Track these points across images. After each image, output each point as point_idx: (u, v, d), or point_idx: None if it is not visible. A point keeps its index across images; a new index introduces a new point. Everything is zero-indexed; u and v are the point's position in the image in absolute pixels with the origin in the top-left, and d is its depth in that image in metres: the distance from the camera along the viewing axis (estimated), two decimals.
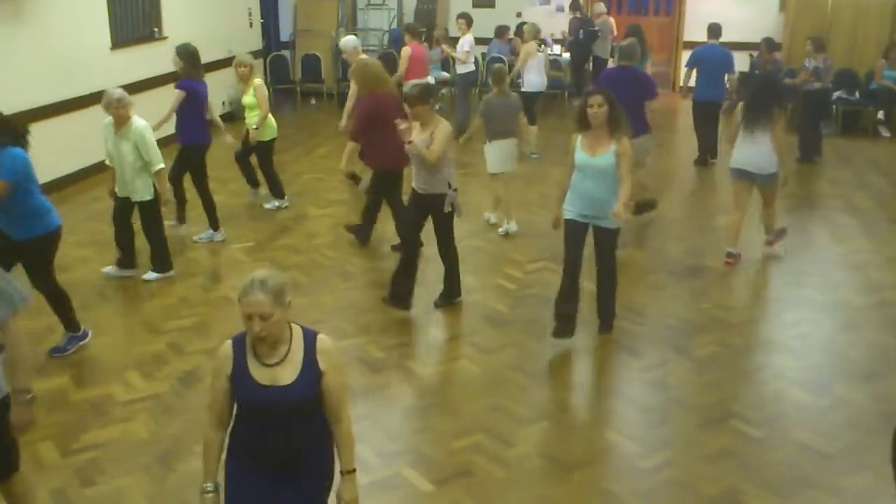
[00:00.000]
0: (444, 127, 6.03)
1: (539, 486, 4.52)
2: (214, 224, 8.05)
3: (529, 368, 5.65)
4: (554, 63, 14.20)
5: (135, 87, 8.93)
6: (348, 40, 9.32)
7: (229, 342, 3.21)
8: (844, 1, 13.30)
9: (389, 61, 14.22)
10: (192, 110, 7.77)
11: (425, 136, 6.00)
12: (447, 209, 6.16)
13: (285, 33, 15.49)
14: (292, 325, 3.17)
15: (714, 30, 10.81)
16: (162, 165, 6.69)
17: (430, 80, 12.31)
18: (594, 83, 9.48)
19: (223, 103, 13.03)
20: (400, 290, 6.38)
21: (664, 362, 5.77)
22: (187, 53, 7.79)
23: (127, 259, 7.17)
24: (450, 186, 6.12)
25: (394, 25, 15.57)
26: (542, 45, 11.41)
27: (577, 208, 5.76)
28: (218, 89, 12.77)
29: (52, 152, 8.23)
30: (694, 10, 14.50)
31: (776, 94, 7.22)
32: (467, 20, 11.94)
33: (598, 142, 5.60)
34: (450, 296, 6.61)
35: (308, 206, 9.09)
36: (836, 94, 12.52)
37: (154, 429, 4.99)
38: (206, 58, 12.12)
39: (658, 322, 6.38)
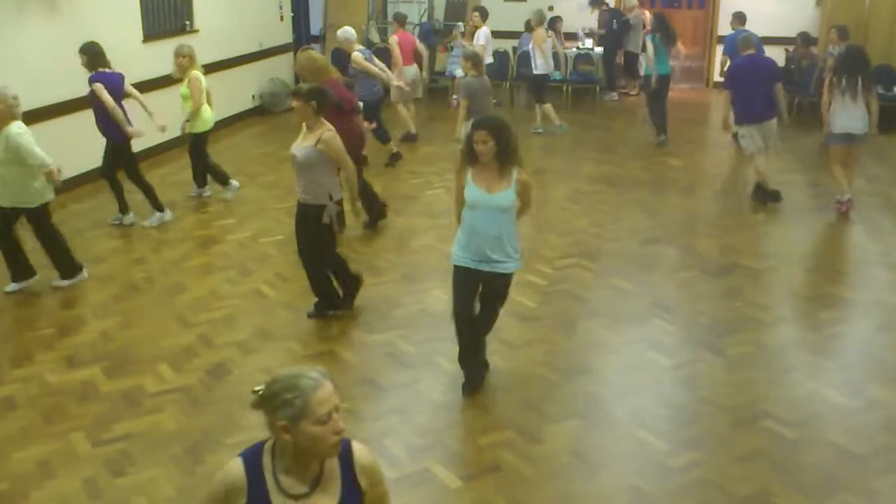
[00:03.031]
0: (333, 135, 5.74)
1: (567, 483, 4.48)
2: (158, 207, 8.24)
3: (558, 365, 5.62)
4: (585, 57, 14.12)
5: (166, 81, 9.00)
6: (345, 30, 9.47)
7: (239, 462, 2.42)
8: None
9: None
10: (101, 105, 7.69)
11: (311, 141, 5.72)
12: (325, 220, 5.85)
13: (316, 27, 15.51)
14: None
15: (740, 16, 11.37)
16: (48, 162, 6.27)
17: (458, 72, 12.30)
18: (727, 73, 9.41)
19: (253, 97, 13.08)
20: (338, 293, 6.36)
21: (695, 361, 5.71)
22: (87, 49, 7.76)
23: (20, 270, 6.78)
24: (331, 198, 5.84)
25: (424, 19, 15.54)
26: (549, 32, 11.60)
27: (469, 253, 4.97)
28: (248, 82, 12.86)
29: (84, 144, 8.29)
30: (727, 3, 14.31)
31: (863, 63, 8.22)
32: (482, 13, 11.87)
33: (491, 176, 4.86)
34: (322, 307, 6.29)
35: None
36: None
37: (183, 420, 5.02)
38: (236, 51, 12.36)
39: (690, 320, 6.31)
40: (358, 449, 2.51)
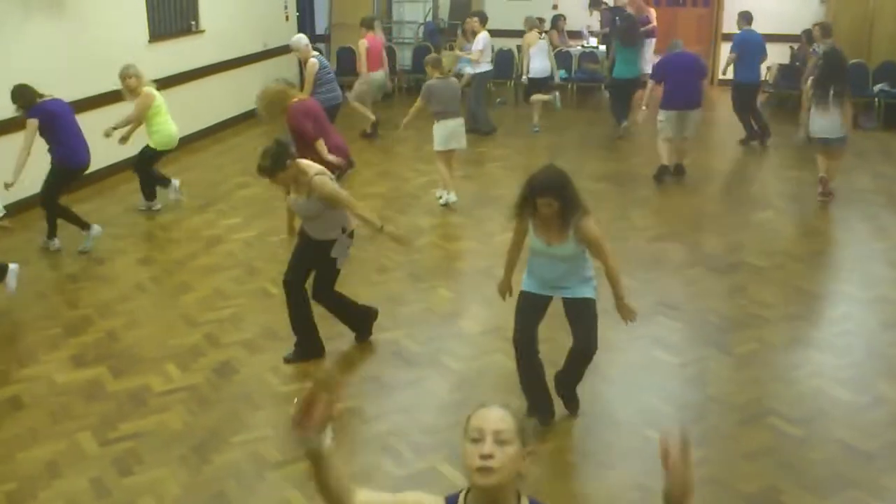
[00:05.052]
0: (321, 179, 5.27)
1: (575, 482, 4.49)
2: (83, 225, 7.61)
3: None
4: (590, 55, 14.12)
5: (171, 81, 9.02)
6: (299, 38, 9.44)
7: (441, 500, 2.40)
8: None
9: (424, 55, 14.29)
10: (51, 133, 7.25)
11: (304, 193, 5.31)
12: (333, 254, 5.47)
13: (321, 27, 15.52)
14: (523, 495, 2.37)
15: (746, 16, 11.40)
16: None
17: (467, 69, 12.30)
18: (656, 67, 10.10)
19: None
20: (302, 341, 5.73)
21: (702, 359, 5.70)
22: (14, 93, 7.21)
23: None
24: (343, 231, 5.48)
25: (429, 18, 15.53)
26: (542, 34, 11.69)
27: (537, 284, 4.84)
28: (252, 84, 12.84)
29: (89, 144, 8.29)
30: (732, 1, 14.29)
31: (840, 70, 8.51)
32: (481, 18, 11.81)
33: (551, 229, 4.63)
34: (301, 352, 5.73)
35: None
36: (878, 87, 12.33)
37: (190, 420, 5.02)
38: (241, 51, 12.38)
39: (696, 318, 6.30)
40: None
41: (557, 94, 11.81)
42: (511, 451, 2.27)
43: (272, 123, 7.45)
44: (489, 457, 2.23)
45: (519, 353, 4.88)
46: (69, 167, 7.48)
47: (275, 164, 5.20)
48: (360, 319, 5.95)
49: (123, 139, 8.29)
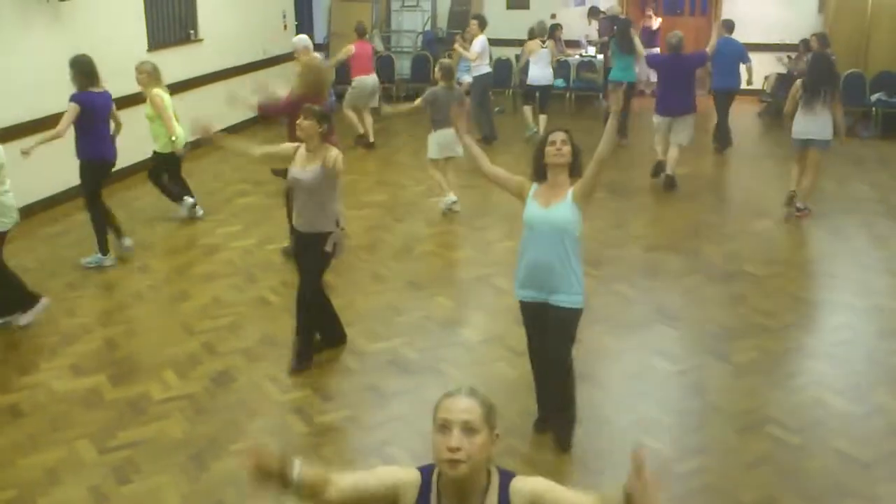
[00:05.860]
0: (335, 153, 5.44)
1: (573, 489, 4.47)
2: (103, 248, 7.45)
3: None
4: (588, 65, 14.16)
5: (171, 89, 8.99)
6: (300, 38, 9.49)
7: (417, 473, 2.41)
8: (885, 1, 13.10)
9: (423, 64, 14.35)
10: (85, 124, 7.18)
11: (317, 163, 5.42)
12: (328, 248, 5.50)
13: (319, 35, 15.54)
14: (492, 468, 2.38)
15: (728, 25, 11.65)
16: None
17: (465, 77, 12.32)
18: (651, 60, 10.32)
19: None
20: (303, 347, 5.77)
21: (701, 367, 5.71)
22: (78, 64, 7.17)
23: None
24: (337, 224, 5.55)
25: (427, 27, 15.57)
26: (544, 42, 11.79)
27: (528, 285, 4.64)
28: (251, 93, 12.86)
29: None
30: (730, 11, 14.32)
31: (830, 74, 8.48)
32: (480, 22, 11.87)
33: (555, 190, 4.54)
34: (331, 342, 5.96)
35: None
36: (875, 97, 12.37)
37: (188, 428, 5.02)
38: (240, 60, 12.40)
39: (695, 326, 6.31)
40: (517, 481, 2.36)
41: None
42: (479, 440, 2.27)
43: (302, 89, 7.36)
44: (457, 449, 2.23)
45: (533, 366, 4.95)
46: (101, 159, 7.38)
47: (320, 115, 5.45)
48: (332, 328, 5.96)
49: (174, 140, 8.16)
